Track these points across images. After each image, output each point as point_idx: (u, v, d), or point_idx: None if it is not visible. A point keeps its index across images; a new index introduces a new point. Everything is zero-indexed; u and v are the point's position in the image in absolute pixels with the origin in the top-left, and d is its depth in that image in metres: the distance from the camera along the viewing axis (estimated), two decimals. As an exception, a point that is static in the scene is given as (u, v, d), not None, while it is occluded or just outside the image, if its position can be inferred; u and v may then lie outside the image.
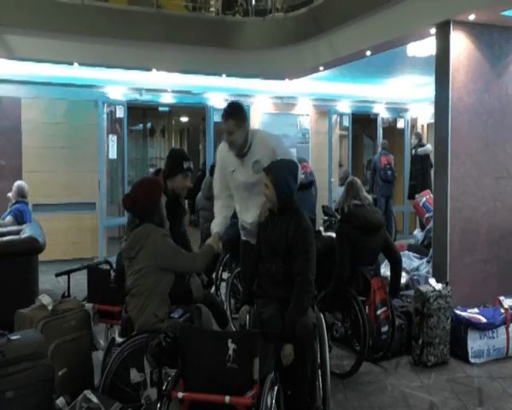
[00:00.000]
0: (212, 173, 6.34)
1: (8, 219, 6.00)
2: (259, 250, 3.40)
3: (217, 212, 3.72)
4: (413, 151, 9.70)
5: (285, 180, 3.27)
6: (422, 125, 11.22)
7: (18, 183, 6.36)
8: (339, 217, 4.64)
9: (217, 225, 3.63)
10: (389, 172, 9.59)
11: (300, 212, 3.33)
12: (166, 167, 3.82)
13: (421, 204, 7.24)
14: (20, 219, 6.03)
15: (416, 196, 7.68)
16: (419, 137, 9.71)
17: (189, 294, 3.48)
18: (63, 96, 8.49)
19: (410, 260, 5.91)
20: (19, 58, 7.17)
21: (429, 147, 9.23)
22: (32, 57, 7.17)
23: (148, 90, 8.97)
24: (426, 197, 7.19)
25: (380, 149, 9.99)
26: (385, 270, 4.95)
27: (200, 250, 3.44)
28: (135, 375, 2.95)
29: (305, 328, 3.06)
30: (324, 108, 10.36)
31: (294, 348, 3.02)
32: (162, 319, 3.12)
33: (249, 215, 3.63)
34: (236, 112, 3.44)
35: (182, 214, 3.83)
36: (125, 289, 3.24)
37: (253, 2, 8.48)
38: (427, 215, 6.95)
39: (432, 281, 4.56)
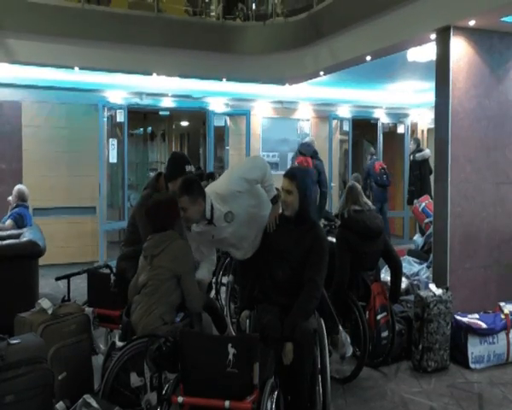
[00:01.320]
0: (207, 179, 6.36)
1: (9, 222, 6.01)
2: (264, 255, 3.40)
3: (201, 265, 3.64)
4: (411, 157, 9.69)
5: (309, 187, 3.32)
6: (422, 131, 11.22)
7: (18, 187, 6.37)
8: (339, 222, 4.64)
9: (202, 276, 3.57)
10: (385, 177, 9.61)
11: (318, 224, 3.38)
12: (168, 170, 3.84)
13: (420, 209, 7.23)
14: (20, 222, 6.03)
15: (415, 201, 7.67)
16: (417, 142, 9.69)
17: None
18: (64, 100, 8.51)
19: (410, 266, 5.90)
20: (19, 62, 7.17)
21: (427, 152, 9.22)
22: (33, 61, 7.17)
23: (149, 95, 8.98)
24: (425, 202, 7.19)
25: (369, 156, 10.03)
26: (385, 275, 4.95)
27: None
28: (135, 379, 2.95)
29: (303, 331, 3.05)
30: (324, 113, 10.36)
31: (294, 351, 3.02)
32: (166, 323, 3.13)
33: (242, 252, 3.60)
34: (190, 188, 3.30)
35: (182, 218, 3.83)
36: (138, 286, 3.26)
37: (254, 7, 8.50)
38: (426, 220, 6.94)
39: (432, 286, 4.56)
